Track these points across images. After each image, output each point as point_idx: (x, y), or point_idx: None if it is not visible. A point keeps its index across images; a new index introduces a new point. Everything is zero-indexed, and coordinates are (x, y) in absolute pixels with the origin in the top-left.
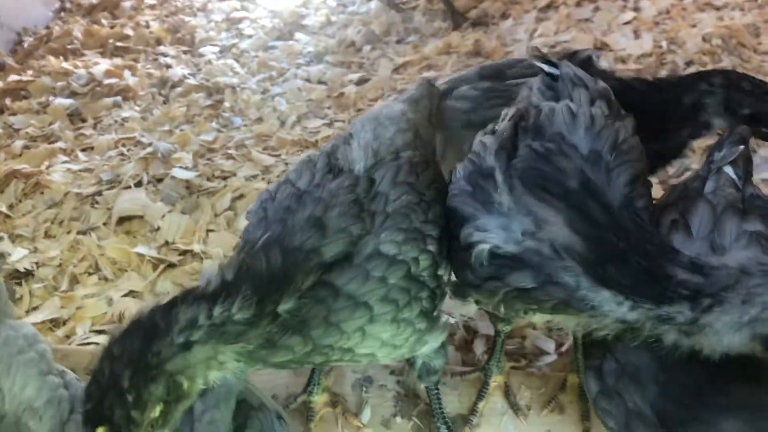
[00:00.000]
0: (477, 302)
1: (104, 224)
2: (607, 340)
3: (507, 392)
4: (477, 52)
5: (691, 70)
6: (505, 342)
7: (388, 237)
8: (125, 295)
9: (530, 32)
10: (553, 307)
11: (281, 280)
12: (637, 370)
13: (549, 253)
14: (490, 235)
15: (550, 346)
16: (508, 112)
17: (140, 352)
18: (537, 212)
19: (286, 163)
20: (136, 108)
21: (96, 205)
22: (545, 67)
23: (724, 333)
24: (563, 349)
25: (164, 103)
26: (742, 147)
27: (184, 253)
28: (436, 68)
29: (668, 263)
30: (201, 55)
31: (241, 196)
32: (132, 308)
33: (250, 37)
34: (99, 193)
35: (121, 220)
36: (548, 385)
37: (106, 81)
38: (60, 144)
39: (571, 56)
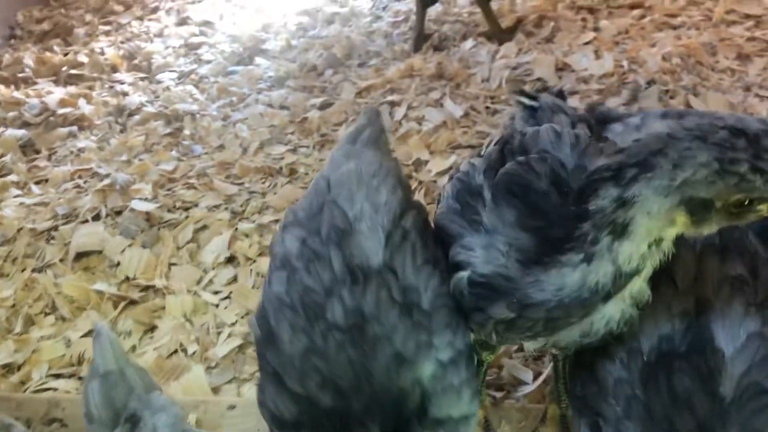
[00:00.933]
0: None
1: (61, 261)
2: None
3: (487, 428)
4: (440, 75)
5: (653, 88)
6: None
7: (442, 341)
8: (84, 336)
9: (492, 54)
10: (545, 327)
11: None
12: None
13: (516, 273)
14: (474, 254)
15: (527, 375)
16: (493, 139)
17: None
18: (507, 219)
19: (250, 192)
20: (93, 138)
21: (52, 241)
22: (525, 101)
23: (654, 199)
24: (541, 378)
25: (121, 132)
26: None
27: (145, 288)
28: (399, 91)
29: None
30: (159, 82)
31: (204, 227)
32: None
33: (209, 62)
34: (55, 228)
35: (79, 255)
36: (528, 419)
37: (60, 110)
38: (12, 177)
39: (544, 91)
